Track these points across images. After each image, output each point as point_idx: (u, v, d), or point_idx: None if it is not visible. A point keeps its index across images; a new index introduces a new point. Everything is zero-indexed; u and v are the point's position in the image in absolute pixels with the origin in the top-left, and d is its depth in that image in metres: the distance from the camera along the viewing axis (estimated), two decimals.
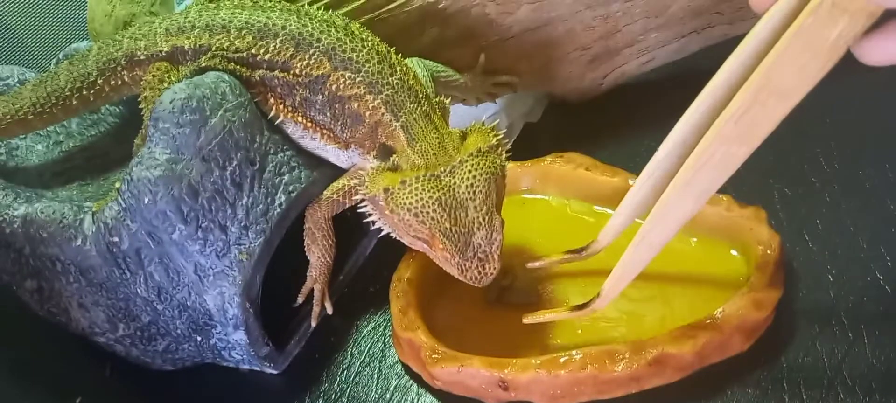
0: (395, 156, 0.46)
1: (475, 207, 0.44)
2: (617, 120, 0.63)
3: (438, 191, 0.43)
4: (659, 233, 0.41)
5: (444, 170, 0.44)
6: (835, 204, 0.53)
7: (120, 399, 0.53)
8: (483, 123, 0.47)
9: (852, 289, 0.48)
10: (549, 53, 0.59)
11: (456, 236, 0.43)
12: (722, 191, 0.50)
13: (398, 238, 0.47)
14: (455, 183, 0.44)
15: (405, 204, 0.44)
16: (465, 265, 0.44)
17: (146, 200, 0.45)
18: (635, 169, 0.46)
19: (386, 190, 0.44)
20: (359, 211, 0.48)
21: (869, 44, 0.33)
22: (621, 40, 0.59)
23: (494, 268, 0.44)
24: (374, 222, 0.48)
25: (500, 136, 0.46)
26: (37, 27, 0.75)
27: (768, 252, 0.48)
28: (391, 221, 0.46)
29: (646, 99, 0.64)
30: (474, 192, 0.44)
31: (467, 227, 0.43)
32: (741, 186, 0.54)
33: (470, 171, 0.44)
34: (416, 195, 0.43)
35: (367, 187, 0.46)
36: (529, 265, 0.49)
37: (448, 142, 0.46)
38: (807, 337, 0.47)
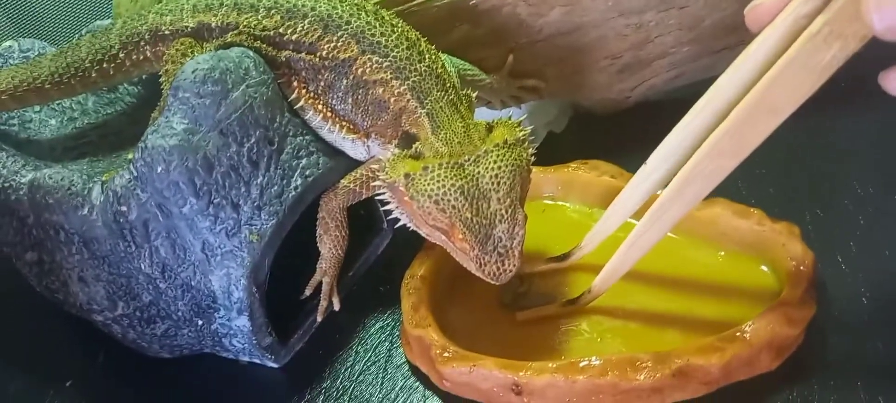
0: (418, 143, 0.45)
1: (498, 199, 0.42)
2: (642, 134, 0.61)
3: (461, 179, 0.42)
4: (650, 237, 0.43)
5: (469, 159, 0.43)
6: (869, 228, 0.52)
7: (112, 386, 0.51)
8: (509, 118, 0.45)
9: (887, 314, 0.46)
10: (579, 60, 0.58)
11: (477, 227, 0.42)
12: (753, 206, 0.50)
13: (415, 228, 0.45)
14: (479, 172, 0.42)
15: (426, 190, 0.42)
16: (483, 259, 0.42)
17: (159, 169, 0.44)
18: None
19: (407, 175, 0.43)
20: (377, 198, 0.47)
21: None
22: (653, 51, 0.58)
23: (514, 265, 0.42)
24: (390, 212, 0.46)
25: (527, 132, 0.45)
26: (61, 7, 0.75)
27: (801, 268, 0.46)
28: (410, 209, 0.44)
29: (673, 116, 0.62)
30: (498, 183, 0.42)
31: (489, 219, 0.42)
32: (773, 206, 0.53)
33: (495, 162, 0.42)
34: (438, 182, 0.42)
35: (386, 173, 0.44)
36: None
37: (473, 132, 0.44)
38: (839, 360, 0.44)
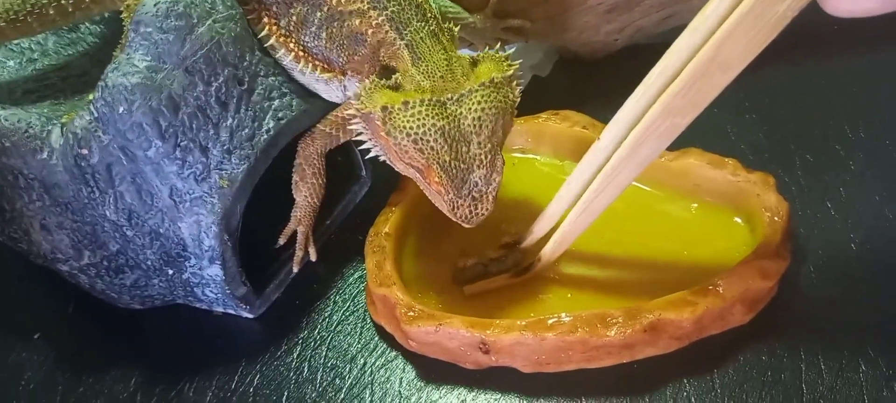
0: (397, 75, 0.42)
1: (479, 143, 0.40)
2: (628, 81, 0.59)
3: (442, 119, 0.40)
4: (601, 201, 0.41)
5: (452, 98, 0.40)
6: (860, 174, 0.51)
7: (82, 338, 0.49)
8: (496, 51, 0.43)
9: (876, 259, 0.46)
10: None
11: (454, 171, 0.40)
12: (734, 153, 0.48)
13: (389, 162, 0.43)
14: (461, 113, 0.40)
15: (404, 127, 0.40)
16: (457, 202, 0.41)
17: (121, 109, 0.41)
18: None
19: (384, 108, 0.40)
20: (349, 127, 0.45)
21: None
22: None
23: (487, 209, 0.41)
24: (363, 143, 0.44)
25: (516, 67, 0.42)
26: None
27: (776, 219, 0.45)
28: (386, 144, 0.42)
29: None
30: (480, 126, 0.40)
31: (467, 163, 0.40)
32: (762, 152, 0.51)
33: (479, 103, 0.40)
34: (418, 120, 0.40)
35: (361, 102, 0.42)
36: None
37: (457, 67, 0.42)
38: (819, 310, 0.44)
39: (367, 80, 0.42)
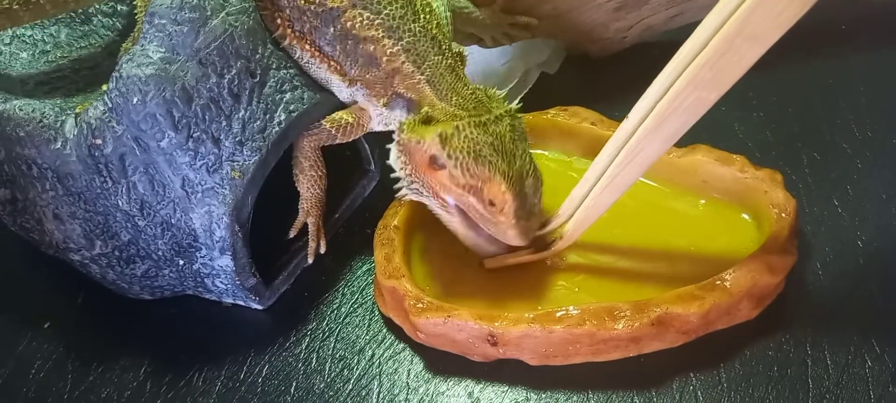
0: (426, 108, 0.44)
1: (520, 156, 0.42)
2: (637, 79, 0.59)
3: (491, 136, 0.42)
4: (626, 176, 0.41)
5: (489, 119, 0.42)
6: (866, 172, 0.51)
7: (92, 328, 0.49)
8: (495, 90, 0.45)
9: (882, 258, 0.46)
10: None
11: (514, 178, 0.42)
12: (742, 150, 0.49)
13: (425, 198, 0.44)
14: (501, 131, 0.42)
15: (464, 147, 0.41)
16: (519, 213, 0.42)
17: (135, 100, 0.42)
18: None
19: (441, 135, 0.42)
20: (388, 163, 0.46)
21: None
22: None
23: (538, 222, 0.43)
24: (397, 180, 0.45)
25: (514, 109, 0.44)
26: None
27: (783, 216, 0.45)
28: (429, 172, 0.43)
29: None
30: (517, 143, 0.42)
31: (519, 173, 0.42)
32: (769, 150, 0.52)
33: (510, 123, 0.43)
34: (474, 139, 0.42)
35: (406, 134, 0.43)
36: (488, 263, 0.46)
37: (481, 95, 0.44)
38: (825, 307, 0.44)
39: (405, 118, 0.44)
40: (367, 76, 0.45)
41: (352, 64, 0.46)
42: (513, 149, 0.42)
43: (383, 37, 0.44)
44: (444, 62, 0.44)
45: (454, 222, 0.44)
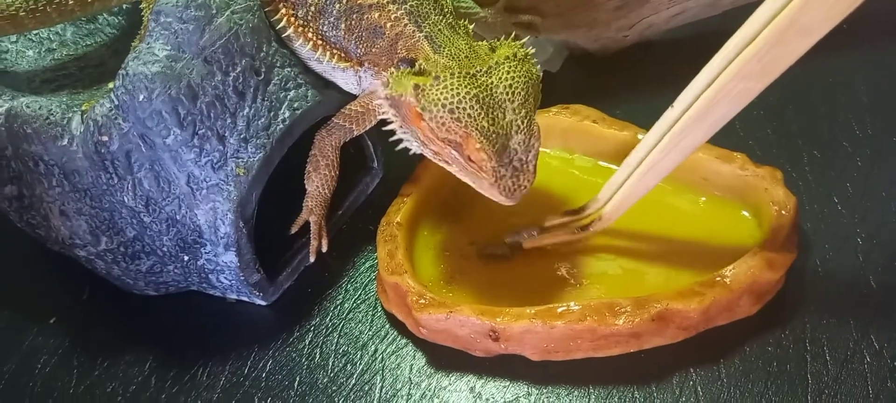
0: (420, 61, 0.43)
1: (513, 109, 0.40)
2: (638, 78, 0.60)
3: (475, 88, 0.40)
4: (668, 162, 0.41)
5: (480, 70, 0.41)
6: (867, 170, 0.51)
7: (97, 324, 0.50)
8: (512, 41, 0.43)
9: (882, 255, 0.46)
10: None
11: (493, 136, 0.40)
12: (743, 148, 0.49)
13: (420, 148, 0.44)
14: (492, 82, 0.41)
15: (439, 99, 0.40)
16: (499, 171, 0.40)
17: (141, 97, 0.42)
18: (649, 127, 0.43)
19: (416, 86, 0.41)
20: (380, 116, 0.45)
21: None
22: None
23: (529, 181, 0.41)
24: (393, 132, 0.45)
25: (531, 52, 0.43)
26: None
27: (783, 213, 0.45)
28: (418, 124, 0.42)
29: (671, 58, 0.61)
30: (513, 93, 0.40)
31: (505, 129, 0.40)
32: (770, 148, 0.52)
33: (508, 72, 0.41)
34: (452, 90, 0.40)
35: (390, 88, 0.42)
36: (527, 243, 0.46)
37: (478, 49, 0.43)
38: (827, 303, 0.44)
39: (392, 69, 0.43)
40: (373, 49, 0.45)
41: (357, 42, 0.46)
42: (503, 99, 0.40)
43: (388, 2, 0.44)
44: (444, 21, 0.44)
45: (459, 172, 0.43)
